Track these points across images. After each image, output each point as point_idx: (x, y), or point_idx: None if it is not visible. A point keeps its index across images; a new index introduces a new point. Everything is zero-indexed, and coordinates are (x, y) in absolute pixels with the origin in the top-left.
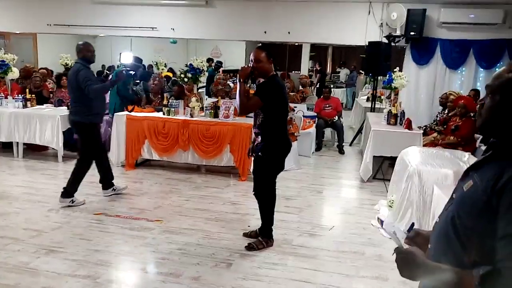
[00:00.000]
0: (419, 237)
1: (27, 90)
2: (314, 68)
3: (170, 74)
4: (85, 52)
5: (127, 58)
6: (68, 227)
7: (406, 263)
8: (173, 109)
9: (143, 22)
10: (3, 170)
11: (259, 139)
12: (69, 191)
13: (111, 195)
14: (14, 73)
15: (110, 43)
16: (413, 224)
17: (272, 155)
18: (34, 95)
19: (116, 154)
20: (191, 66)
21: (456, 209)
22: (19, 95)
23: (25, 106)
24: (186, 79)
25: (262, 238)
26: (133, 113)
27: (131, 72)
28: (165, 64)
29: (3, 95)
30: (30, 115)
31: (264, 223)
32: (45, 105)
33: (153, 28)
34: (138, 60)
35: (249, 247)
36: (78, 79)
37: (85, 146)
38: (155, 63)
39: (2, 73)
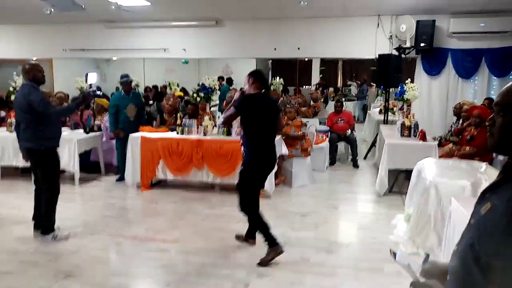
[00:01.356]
0: (435, 269)
1: None
2: (317, 83)
3: (182, 94)
4: (35, 73)
5: (93, 78)
6: (86, 250)
7: None
8: (186, 128)
9: (155, 43)
10: (22, 195)
11: (244, 155)
12: (48, 227)
13: (49, 242)
14: None
15: (123, 65)
16: (428, 255)
17: (250, 169)
18: None
19: (131, 175)
20: (203, 86)
21: (475, 235)
22: None
23: None
24: (198, 98)
25: (268, 249)
26: (147, 134)
27: (98, 92)
28: (177, 84)
29: None
30: None
31: (261, 234)
32: (62, 128)
33: (165, 49)
34: (126, 76)
35: (260, 263)
36: (32, 103)
37: (46, 174)
38: (168, 83)
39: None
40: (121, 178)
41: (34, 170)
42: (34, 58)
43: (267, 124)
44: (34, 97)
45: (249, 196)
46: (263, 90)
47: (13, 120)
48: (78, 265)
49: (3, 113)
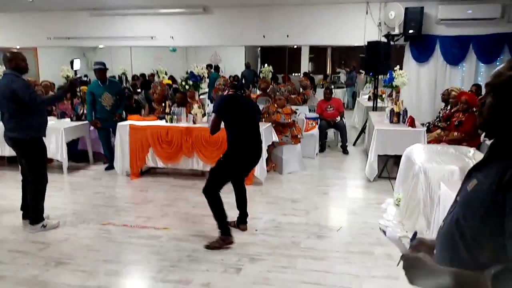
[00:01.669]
0: (423, 246)
1: None
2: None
3: (170, 82)
4: (19, 61)
5: (78, 65)
6: (76, 239)
7: (414, 269)
8: (175, 117)
9: (142, 31)
10: (9, 184)
11: (227, 148)
12: (36, 216)
13: (38, 231)
14: None
15: (110, 53)
16: (415, 232)
17: (227, 162)
18: None
19: (120, 163)
20: (192, 74)
21: (461, 211)
22: None
23: None
24: (187, 87)
25: (219, 236)
26: (135, 122)
27: (85, 79)
28: (165, 72)
29: None
30: None
31: (216, 221)
32: (48, 117)
33: (152, 37)
34: (102, 64)
35: (207, 246)
36: (16, 92)
37: (32, 164)
38: (156, 71)
39: None
40: (110, 167)
41: (20, 160)
42: (18, 47)
43: (246, 122)
44: (19, 86)
45: (216, 184)
46: (238, 91)
47: None
48: (68, 253)
49: None
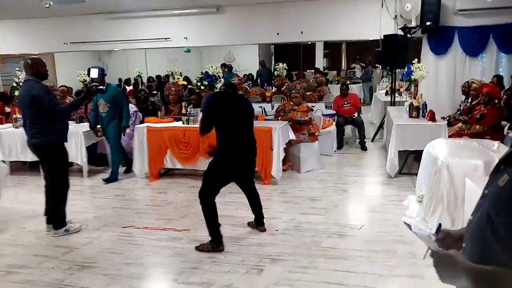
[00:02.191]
0: (449, 238)
1: None
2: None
3: (185, 83)
4: (39, 67)
5: (95, 73)
6: (98, 242)
7: (446, 267)
8: (192, 118)
9: (157, 33)
10: (31, 189)
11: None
12: (58, 221)
13: (61, 235)
14: None
15: (125, 56)
16: (440, 225)
17: (218, 166)
18: None
19: (139, 166)
20: (207, 74)
21: (492, 206)
22: None
23: None
24: (202, 87)
25: (209, 242)
26: (152, 124)
27: (101, 87)
28: (180, 73)
29: None
30: None
31: (208, 227)
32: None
33: (166, 38)
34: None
35: (197, 247)
36: (36, 97)
37: (54, 169)
38: (171, 73)
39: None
40: (128, 170)
41: (42, 165)
42: (36, 53)
43: (235, 122)
44: (38, 92)
45: (209, 188)
46: (228, 90)
47: (18, 115)
48: (91, 257)
49: (8, 109)
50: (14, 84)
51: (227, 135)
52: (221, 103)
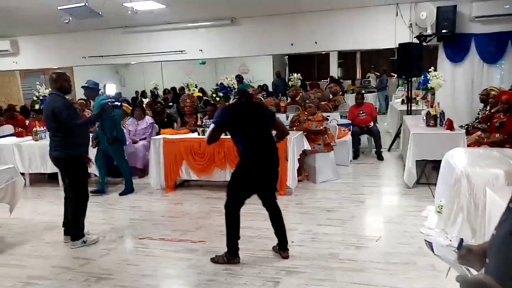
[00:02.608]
0: (471, 254)
1: None
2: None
3: (201, 94)
4: (62, 82)
5: (111, 90)
6: (115, 253)
7: None
8: (207, 129)
9: (172, 46)
10: (50, 200)
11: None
12: (76, 234)
13: (78, 247)
14: None
15: (142, 69)
16: (462, 240)
17: (239, 176)
18: None
19: (155, 177)
20: (221, 85)
21: None
22: None
23: None
24: (217, 98)
25: (225, 253)
26: (168, 136)
27: (116, 103)
28: (195, 85)
29: (44, 128)
30: None
31: (227, 237)
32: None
33: (182, 51)
34: (92, 84)
35: (212, 259)
36: (55, 112)
37: (74, 181)
38: (186, 84)
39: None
40: (100, 191)
41: (63, 177)
42: (55, 67)
43: (254, 131)
44: (58, 106)
45: (233, 199)
46: (241, 100)
47: (38, 128)
48: (108, 268)
49: (28, 122)
50: (35, 98)
51: (246, 144)
52: (234, 115)
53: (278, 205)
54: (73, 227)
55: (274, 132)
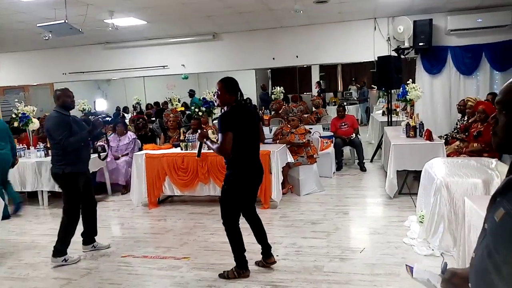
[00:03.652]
0: (455, 278)
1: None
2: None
3: (183, 109)
4: (65, 98)
5: (101, 106)
6: (97, 273)
7: None
8: (190, 144)
9: (154, 61)
10: (29, 220)
11: (227, 171)
12: (59, 250)
13: (90, 251)
14: (35, 124)
15: (124, 85)
16: (446, 264)
17: (233, 187)
18: None
19: (136, 193)
20: (204, 100)
21: (492, 243)
22: (41, 143)
23: (47, 154)
24: (200, 113)
25: (234, 268)
26: (151, 151)
27: (107, 118)
28: (178, 99)
29: (25, 146)
30: None
31: (233, 252)
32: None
33: (164, 66)
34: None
35: (221, 275)
36: (49, 131)
37: (67, 197)
38: (169, 99)
39: (24, 125)
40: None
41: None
42: (35, 84)
43: (249, 138)
44: (51, 125)
45: (229, 214)
46: (239, 101)
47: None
48: None
49: None
50: (13, 116)
51: (241, 153)
52: (238, 119)
53: (257, 213)
54: (59, 241)
55: None
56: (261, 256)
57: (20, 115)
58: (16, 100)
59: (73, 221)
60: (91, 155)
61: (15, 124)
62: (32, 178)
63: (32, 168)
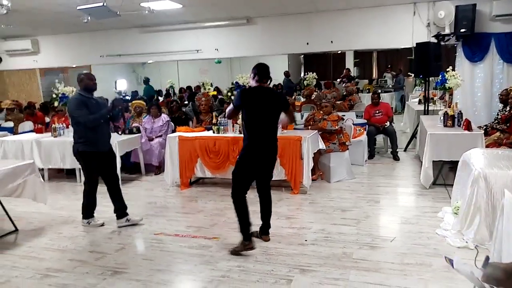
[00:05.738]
0: (498, 272)
1: None
2: (342, 75)
3: (216, 93)
4: (87, 81)
5: (123, 85)
6: (130, 248)
7: None
8: (222, 127)
9: (188, 45)
10: (68, 195)
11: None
12: (84, 214)
13: (125, 225)
14: None
15: (158, 68)
16: (487, 257)
17: (243, 159)
18: None
19: (170, 174)
20: (237, 84)
21: None
22: None
23: None
24: (233, 97)
25: (241, 240)
26: (184, 134)
27: (127, 97)
28: (211, 84)
29: (64, 125)
30: None
31: (238, 224)
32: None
33: (197, 50)
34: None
35: (231, 251)
36: (69, 111)
37: (85, 172)
38: (202, 83)
39: (64, 105)
40: None
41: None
42: (74, 66)
43: (261, 117)
44: (70, 105)
45: (238, 185)
46: (264, 82)
47: (57, 125)
48: (123, 263)
49: (47, 119)
50: (54, 96)
51: (251, 129)
52: (250, 98)
53: (270, 192)
54: (83, 207)
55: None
56: (259, 229)
57: (60, 95)
58: (57, 80)
59: (91, 192)
60: (122, 135)
61: (56, 103)
62: (71, 156)
63: (71, 146)
